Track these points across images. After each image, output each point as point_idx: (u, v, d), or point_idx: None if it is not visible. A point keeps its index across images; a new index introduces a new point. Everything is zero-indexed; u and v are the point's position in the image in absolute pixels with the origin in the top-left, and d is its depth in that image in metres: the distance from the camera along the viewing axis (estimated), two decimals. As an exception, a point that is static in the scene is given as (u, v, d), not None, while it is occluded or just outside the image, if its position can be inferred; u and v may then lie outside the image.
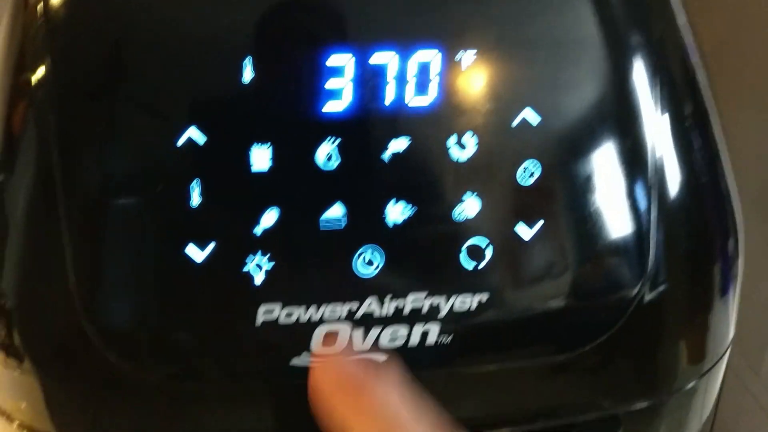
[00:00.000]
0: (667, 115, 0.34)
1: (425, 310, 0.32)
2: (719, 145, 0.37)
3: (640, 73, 0.34)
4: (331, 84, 0.31)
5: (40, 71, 0.31)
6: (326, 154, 0.31)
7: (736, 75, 0.58)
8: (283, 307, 0.32)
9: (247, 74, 0.31)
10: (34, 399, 0.34)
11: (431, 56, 0.31)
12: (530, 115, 0.32)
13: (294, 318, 0.32)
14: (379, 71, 0.31)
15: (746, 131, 0.55)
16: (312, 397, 0.27)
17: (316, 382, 0.26)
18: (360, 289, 0.32)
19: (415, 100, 0.32)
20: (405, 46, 0.31)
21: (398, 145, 0.32)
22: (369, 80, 0.31)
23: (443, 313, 0.32)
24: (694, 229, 0.36)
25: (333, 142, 0.31)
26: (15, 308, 0.33)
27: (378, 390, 0.24)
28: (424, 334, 0.32)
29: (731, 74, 0.55)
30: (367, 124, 0.32)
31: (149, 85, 0.31)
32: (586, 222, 0.33)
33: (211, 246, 0.31)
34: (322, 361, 0.25)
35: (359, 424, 0.23)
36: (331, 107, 0.31)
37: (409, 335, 0.32)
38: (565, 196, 0.33)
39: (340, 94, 0.31)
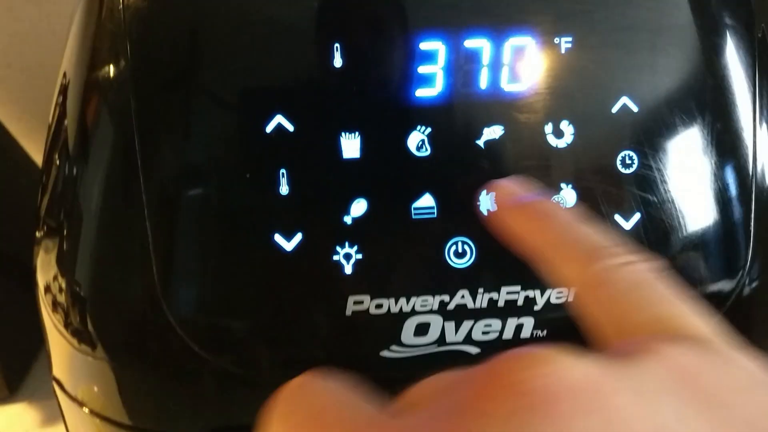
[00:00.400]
0: (767, 104, 0.33)
1: (520, 302, 0.31)
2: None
3: (740, 60, 0.32)
4: (423, 69, 0.30)
5: (120, 61, 0.31)
6: (418, 141, 0.31)
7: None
8: (373, 298, 0.31)
9: (337, 60, 0.30)
10: (106, 385, 0.34)
11: (526, 42, 0.30)
12: (629, 103, 0.31)
13: (384, 309, 0.31)
14: (473, 56, 0.30)
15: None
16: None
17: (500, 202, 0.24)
18: (452, 280, 0.31)
19: (509, 87, 0.31)
20: (498, 31, 0.30)
21: (492, 132, 0.31)
22: (462, 65, 0.30)
23: (539, 306, 0.31)
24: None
25: (424, 129, 0.30)
26: (90, 296, 0.32)
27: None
28: (519, 328, 0.31)
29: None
30: (460, 110, 0.31)
31: (234, 73, 0.30)
32: (684, 212, 0.32)
33: (300, 235, 0.30)
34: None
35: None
36: (423, 93, 0.31)
37: (502, 328, 0.31)
38: (664, 185, 0.32)
39: (433, 80, 0.31)
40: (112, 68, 0.31)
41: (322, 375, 0.16)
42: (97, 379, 0.34)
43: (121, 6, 0.31)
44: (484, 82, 0.31)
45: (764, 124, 0.33)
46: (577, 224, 0.20)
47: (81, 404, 0.36)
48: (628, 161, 0.31)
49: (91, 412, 0.35)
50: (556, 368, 0.12)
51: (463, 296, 0.31)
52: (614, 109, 0.31)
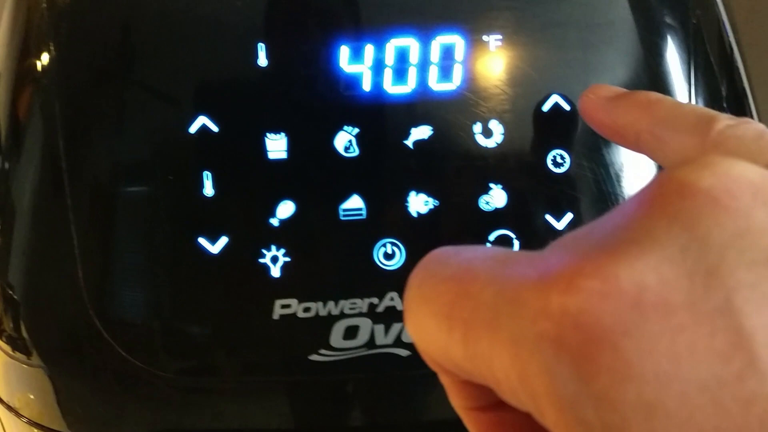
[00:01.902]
0: (702, 99, 0.33)
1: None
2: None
3: (674, 55, 0.32)
4: (350, 69, 0.30)
5: (45, 57, 0.30)
6: (345, 141, 0.30)
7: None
8: (301, 301, 0.30)
9: (261, 60, 0.30)
10: (42, 394, 0.34)
11: (454, 40, 0.30)
12: (560, 101, 0.30)
13: (312, 313, 0.31)
14: (401, 55, 0.30)
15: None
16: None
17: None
18: (381, 282, 0.30)
19: (437, 86, 0.30)
20: (426, 29, 0.30)
21: (421, 132, 0.30)
22: (389, 65, 0.30)
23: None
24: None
25: (352, 130, 0.30)
26: (22, 300, 0.32)
27: None
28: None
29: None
30: (387, 110, 0.30)
31: (158, 71, 0.30)
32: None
33: (225, 237, 0.30)
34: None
35: None
36: (351, 93, 0.30)
37: (432, 331, 0.31)
38: (597, 184, 0.31)
39: (360, 80, 0.30)
40: (38, 65, 0.31)
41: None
42: (33, 387, 0.34)
43: (45, 4, 0.31)
44: (412, 81, 0.30)
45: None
46: (682, 103, 0.21)
47: (18, 414, 0.35)
48: (559, 160, 0.31)
49: (30, 421, 0.35)
50: (729, 169, 0.12)
51: (392, 298, 0.30)
52: (545, 108, 0.30)
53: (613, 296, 0.11)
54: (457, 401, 0.16)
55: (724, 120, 0.18)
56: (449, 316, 0.13)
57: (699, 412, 0.10)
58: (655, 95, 0.22)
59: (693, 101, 0.32)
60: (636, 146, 0.22)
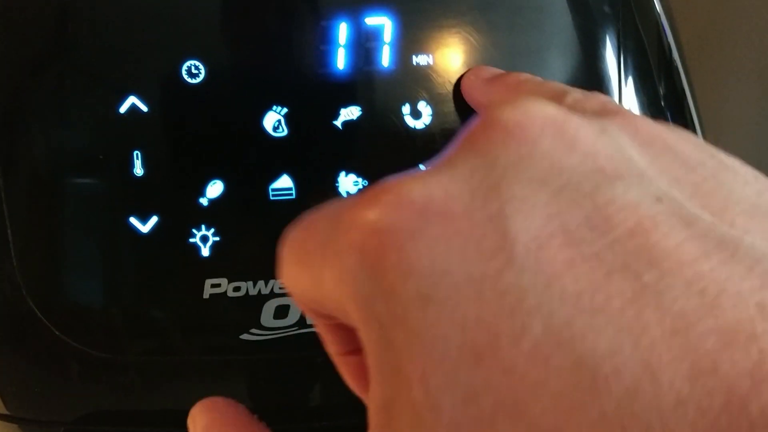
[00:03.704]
0: (633, 90, 0.33)
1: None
2: (696, 127, 0.36)
3: (603, 42, 0.32)
4: (278, 49, 0.30)
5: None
6: (274, 121, 0.30)
7: (734, 48, 0.56)
8: (231, 281, 0.31)
9: (190, 41, 0.30)
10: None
11: (383, 21, 0.30)
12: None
13: (242, 292, 0.31)
14: (330, 36, 0.30)
15: (744, 103, 0.54)
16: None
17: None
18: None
19: (366, 67, 0.30)
20: (354, 10, 0.30)
21: (349, 113, 0.30)
22: (319, 45, 0.30)
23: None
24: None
25: (281, 110, 0.30)
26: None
27: None
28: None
29: (729, 48, 0.54)
30: (316, 90, 0.31)
31: (87, 52, 0.30)
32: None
33: (156, 217, 0.30)
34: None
35: None
36: (279, 73, 0.30)
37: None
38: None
39: (289, 60, 0.30)
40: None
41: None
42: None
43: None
44: (340, 62, 0.30)
45: (626, 102, 0.33)
46: (546, 81, 0.24)
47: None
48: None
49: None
50: (530, 106, 0.14)
51: (321, 278, 0.31)
52: (472, 89, 0.31)
53: (404, 206, 0.12)
54: (331, 348, 0.18)
55: (575, 93, 0.20)
56: (301, 257, 0.16)
57: (465, 302, 0.11)
58: (524, 76, 0.24)
59: (623, 93, 0.33)
60: None
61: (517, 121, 0.13)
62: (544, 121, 0.13)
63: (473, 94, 0.28)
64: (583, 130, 0.13)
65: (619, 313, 0.10)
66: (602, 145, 0.13)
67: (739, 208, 0.12)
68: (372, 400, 0.13)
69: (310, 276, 0.15)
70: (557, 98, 0.21)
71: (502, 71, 0.28)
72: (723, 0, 0.55)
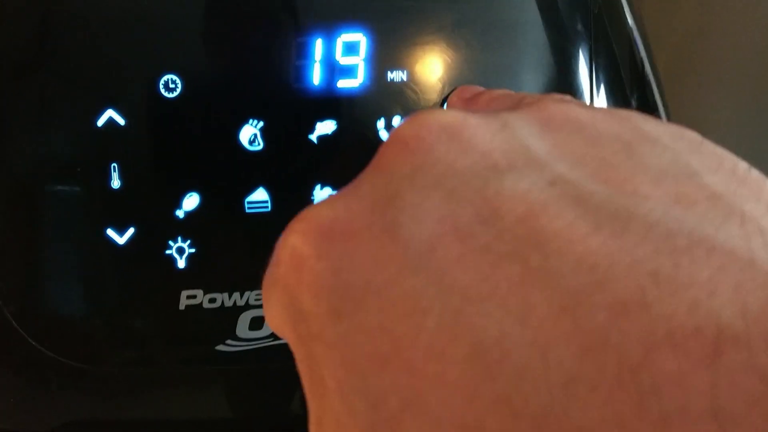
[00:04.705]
0: (606, 105, 0.34)
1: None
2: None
3: (576, 59, 0.33)
4: (254, 65, 0.30)
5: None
6: (250, 135, 0.31)
7: (714, 65, 0.57)
8: (206, 292, 0.31)
9: (168, 55, 0.30)
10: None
11: (358, 38, 0.31)
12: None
13: (218, 303, 0.31)
14: (305, 52, 0.31)
15: (718, 120, 0.55)
16: None
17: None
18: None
19: (342, 82, 0.31)
20: (330, 27, 0.31)
21: (325, 127, 0.31)
22: (294, 61, 0.31)
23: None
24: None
25: (257, 124, 0.31)
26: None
27: None
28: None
29: (703, 62, 0.54)
30: (292, 105, 0.31)
31: (66, 65, 0.30)
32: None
33: (132, 229, 0.30)
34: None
35: None
36: (255, 88, 0.31)
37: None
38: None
39: (265, 75, 0.31)
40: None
41: None
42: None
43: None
44: (316, 77, 0.31)
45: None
46: (513, 94, 0.24)
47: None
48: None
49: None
50: (426, 117, 0.14)
51: (296, 290, 0.31)
52: (446, 105, 0.31)
53: (312, 231, 0.13)
54: None
55: (528, 97, 0.20)
56: (263, 295, 0.16)
57: (368, 311, 0.12)
58: (496, 93, 0.24)
59: (595, 105, 0.33)
60: None
61: (413, 133, 0.14)
62: (440, 129, 0.14)
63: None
64: (480, 130, 0.14)
65: (506, 297, 0.11)
66: (499, 142, 0.13)
67: (647, 177, 0.12)
68: (309, 418, 0.13)
69: (265, 311, 0.16)
70: (513, 107, 0.21)
71: (481, 90, 0.29)
72: (702, 13, 0.56)
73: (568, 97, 0.20)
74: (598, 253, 0.10)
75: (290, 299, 0.13)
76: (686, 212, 0.11)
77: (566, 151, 0.13)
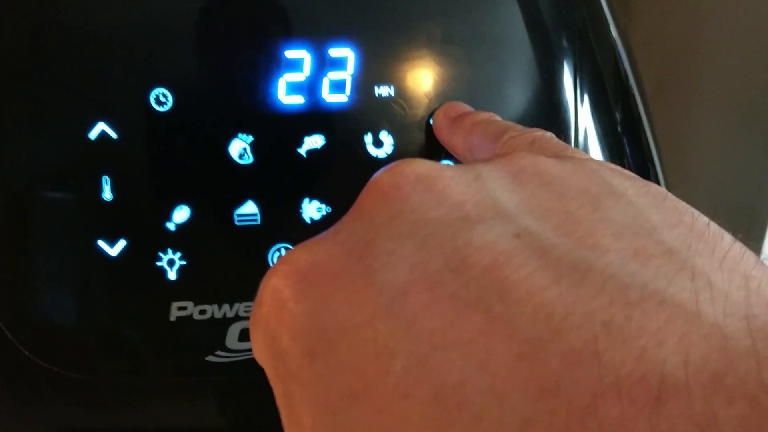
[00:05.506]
0: (592, 122, 0.34)
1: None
2: (653, 151, 0.37)
3: (560, 75, 0.33)
4: (244, 79, 0.31)
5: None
6: (239, 149, 0.31)
7: (697, 77, 0.58)
8: (197, 304, 0.31)
9: (158, 68, 0.31)
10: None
11: (345, 53, 0.31)
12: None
13: (208, 315, 0.32)
14: (294, 67, 0.31)
15: (706, 133, 0.55)
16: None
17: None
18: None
19: (330, 97, 0.31)
20: (318, 41, 0.31)
21: (314, 141, 0.31)
22: (283, 76, 0.31)
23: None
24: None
25: (246, 138, 0.31)
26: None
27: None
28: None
29: (692, 77, 0.55)
30: (281, 119, 0.32)
31: (58, 77, 0.31)
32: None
33: (124, 240, 0.31)
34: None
35: None
36: (245, 102, 0.31)
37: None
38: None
39: (255, 89, 0.31)
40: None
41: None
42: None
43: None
44: (304, 92, 0.31)
45: (590, 138, 0.34)
46: (496, 121, 0.26)
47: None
48: (446, 170, 0.32)
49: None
50: (405, 167, 0.15)
51: (284, 302, 0.31)
52: (432, 120, 0.32)
53: (292, 274, 0.14)
54: None
55: (511, 131, 0.22)
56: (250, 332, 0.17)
57: (341, 352, 0.13)
58: (479, 117, 0.25)
59: (579, 119, 0.34)
60: (465, 161, 0.24)
61: (392, 182, 0.15)
62: (416, 179, 0.15)
63: (440, 134, 0.29)
64: (454, 182, 0.14)
65: (469, 345, 0.11)
66: (471, 193, 0.14)
67: (609, 231, 0.13)
68: None
69: (252, 346, 0.16)
70: (499, 137, 0.22)
71: (466, 110, 0.29)
72: (692, 27, 0.57)
73: (549, 134, 0.20)
74: (556, 303, 0.11)
75: (271, 339, 0.14)
76: (642, 266, 0.12)
77: (533, 204, 0.14)
